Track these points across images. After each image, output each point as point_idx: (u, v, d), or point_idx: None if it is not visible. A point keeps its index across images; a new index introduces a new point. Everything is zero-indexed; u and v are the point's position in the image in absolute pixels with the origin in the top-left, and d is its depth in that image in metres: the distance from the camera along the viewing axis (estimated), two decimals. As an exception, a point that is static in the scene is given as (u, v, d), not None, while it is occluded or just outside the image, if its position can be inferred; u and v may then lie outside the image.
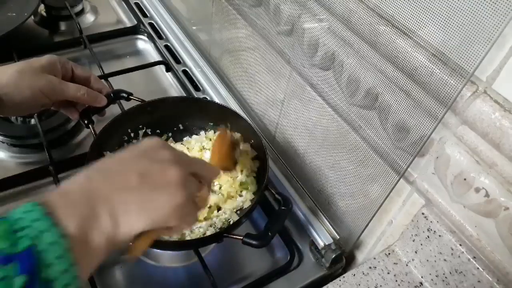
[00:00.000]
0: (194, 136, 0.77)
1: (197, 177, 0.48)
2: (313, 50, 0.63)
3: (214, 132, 0.77)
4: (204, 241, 0.63)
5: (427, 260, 0.57)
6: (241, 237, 0.58)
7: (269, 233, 0.58)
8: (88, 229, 0.38)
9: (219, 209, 0.68)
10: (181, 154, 0.48)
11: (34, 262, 0.33)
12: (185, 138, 0.77)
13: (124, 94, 0.74)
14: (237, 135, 0.73)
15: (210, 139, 0.76)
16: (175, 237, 0.62)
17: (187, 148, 0.75)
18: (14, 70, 0.60)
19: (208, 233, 0.63)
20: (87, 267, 0.39)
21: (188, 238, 0.62)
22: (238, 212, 0.67)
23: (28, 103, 0.61)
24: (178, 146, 0.76)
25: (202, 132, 0.77)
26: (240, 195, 0.69)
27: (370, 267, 0.61)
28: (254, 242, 0.57)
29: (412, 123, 0.51)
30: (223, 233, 0.60)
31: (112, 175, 0.43)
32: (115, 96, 0.73)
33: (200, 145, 0.75)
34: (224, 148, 0.65)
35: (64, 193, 0.40)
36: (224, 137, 0.67)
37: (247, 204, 0.67)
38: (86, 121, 0.69)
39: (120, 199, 0.41)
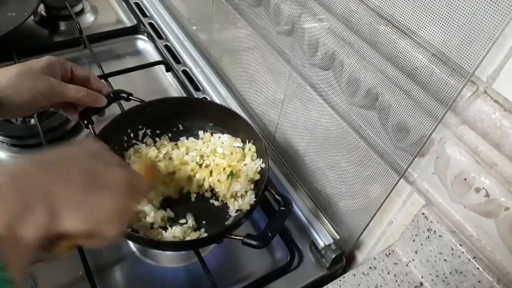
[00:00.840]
0: (191, 139, 0.76)
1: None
2: (313, 50, 0.63)
3: (212, 134, 0.77)
4: (204, 241, 0.63)
5: (427, 260, 0.57)
6: (241, 238, 0.57)
7: (269, 234, 0.58)
8: (20, 225, 0.35)
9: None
10: (124, 162, 0.47)
11: None
12: (181, 138, 0.77)
13: (124, 95, 0.74)
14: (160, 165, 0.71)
15: (204, 142, 0.75)
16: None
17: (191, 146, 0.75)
18: (13, 72, 0.60)
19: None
20: (20, 266, 0.36)
21: (188, 238, 0.62)
22: (239, 212, 0.67)
23: (27, 105, 0.61)
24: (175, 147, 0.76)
25: (201, 132, 0.77)
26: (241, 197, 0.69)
27: (370, 267, 0.61)
28: (254, 243, 0.57)
29: (412, 123, 0.51)
30: (223, 234, 0.60)
31: (53, 167, 0.40)
32: (115, 96, 0.73)
33: (199, 150, 0.74)
34: (151, 179, 0.63)
35: None
36: (151, 169, 0.64)
37: (246, 205, 0.67)
38: (85, 122, 0.69)
39: (61, 192, 0.38)
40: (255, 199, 0.66)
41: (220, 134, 0.76)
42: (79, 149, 0.44)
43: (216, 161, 0.71)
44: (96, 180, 0.41)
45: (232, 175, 0.69)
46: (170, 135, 0.77)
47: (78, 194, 0.40)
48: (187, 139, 0.76)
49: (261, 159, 0.70)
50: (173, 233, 0.62)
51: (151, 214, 0.63)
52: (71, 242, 0.42)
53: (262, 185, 0.65)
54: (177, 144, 0.76)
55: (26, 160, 0.41)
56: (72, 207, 0.39)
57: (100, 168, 0.43)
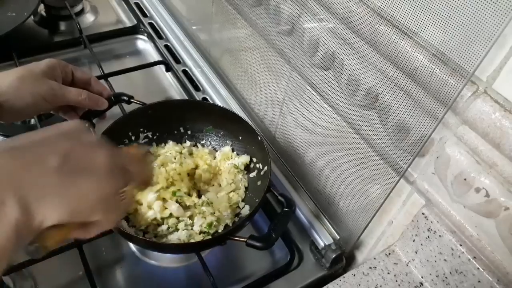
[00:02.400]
0: (170, 143, 0.76)
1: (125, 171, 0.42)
2: (313, 50, 0.63)
3: (233, 150, 0.76)
4: (207, 243, 0.63)
5: (427, 260, 0.57)
6: (245, 239, 0.57)
7: (273, 235, 0.58)
8: None
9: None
10: (107, 143, 0.42)
11: None
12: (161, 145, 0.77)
13: (125, 97, 0.74)
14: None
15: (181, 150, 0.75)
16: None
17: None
18: (14, 76, 0.59)
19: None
20: None
21: (192, 240, 0.62)
22: (241, 215, 0.67)
23: (28, 109, 0.61)
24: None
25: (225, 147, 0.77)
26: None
27: (370, 267, 0.61)
28: (258, 244, 0.57)
29: (412, 123, 0.51)
30: (226, 236, 0.59)
31: (25, 154, 0.35)
32: (116, 99, 0.73)
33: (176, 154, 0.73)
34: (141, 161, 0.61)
35: None
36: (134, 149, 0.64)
37: (246, 210, 0.67)
38: (87, 125, 0.69)
39: (33, 181, 0.34)
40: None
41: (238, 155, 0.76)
42: (53, 130, 0.39)
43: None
44: (74, 163, 0.36)
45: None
46: (171, 137, 0.77)
47: (54, 181, 0.35)
48: (195, 145, 0.77)
49: (264, 164, 0.70)
50: (179, 236, 0.62)
51: (155, 206, 0.63)
52: (61, 234, 0.38)
53: (265, 187, 0.65)
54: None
55: None
56: (46, 198, 0.34)
57: (78, 150, 0.37)
